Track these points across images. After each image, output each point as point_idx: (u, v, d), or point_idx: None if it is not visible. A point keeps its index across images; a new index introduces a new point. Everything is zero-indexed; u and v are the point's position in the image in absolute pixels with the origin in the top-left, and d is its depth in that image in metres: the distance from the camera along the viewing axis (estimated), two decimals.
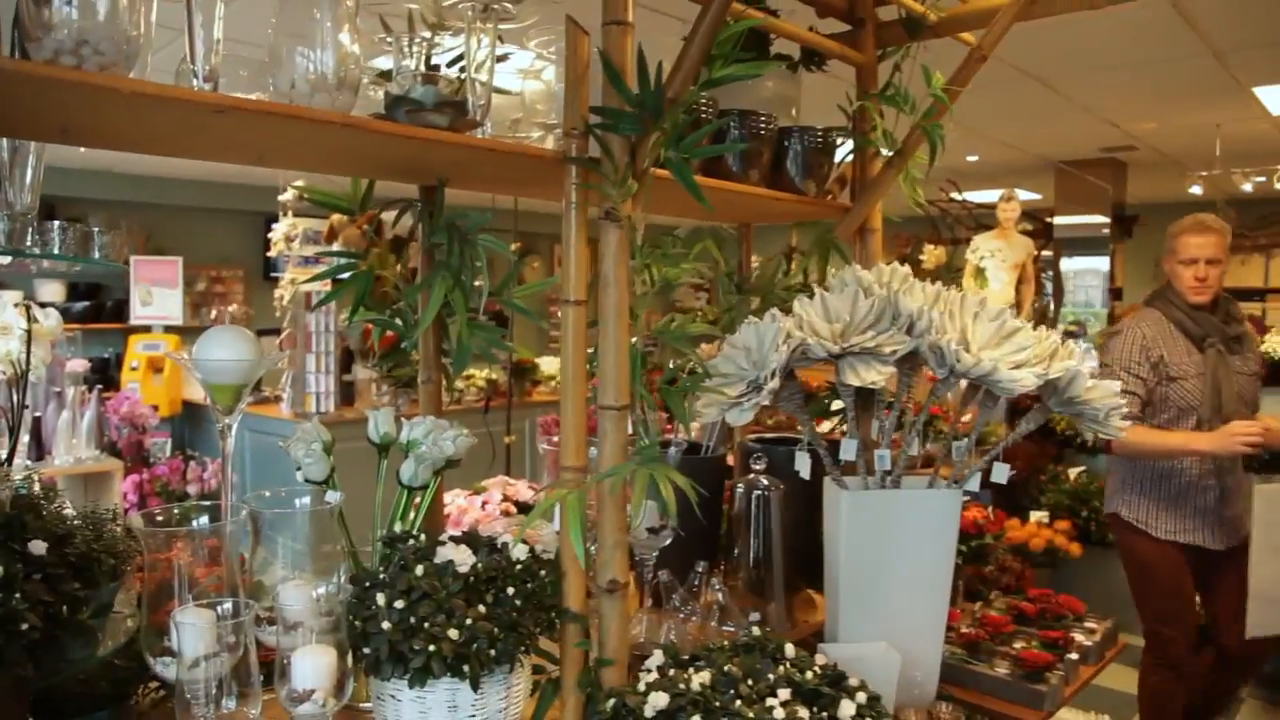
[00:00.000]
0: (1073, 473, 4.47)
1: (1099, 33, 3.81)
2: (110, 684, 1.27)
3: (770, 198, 1.60)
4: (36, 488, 1.25)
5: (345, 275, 1.41)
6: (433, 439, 1.33)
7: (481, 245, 1.33)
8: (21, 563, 0.99)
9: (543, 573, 1.24)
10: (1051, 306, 5.99)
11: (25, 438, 2.15)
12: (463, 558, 1.19)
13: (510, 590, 1.18)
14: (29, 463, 2.49)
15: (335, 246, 4.41)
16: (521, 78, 1.44)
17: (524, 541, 1.26)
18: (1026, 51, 4.08)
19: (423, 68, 1.42)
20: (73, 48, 0.84)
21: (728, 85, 1.42)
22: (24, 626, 0.92)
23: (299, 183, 2.36)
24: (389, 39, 1.38)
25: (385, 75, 1.39)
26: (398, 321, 1.49)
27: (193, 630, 1.00)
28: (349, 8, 1.06)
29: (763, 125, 1.56)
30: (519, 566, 1.21)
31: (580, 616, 1.27)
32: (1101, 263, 6.04)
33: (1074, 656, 1.96)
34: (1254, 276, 6.94)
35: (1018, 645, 2.01)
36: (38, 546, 1.03)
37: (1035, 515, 4.15)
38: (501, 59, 1.42)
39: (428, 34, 1.40)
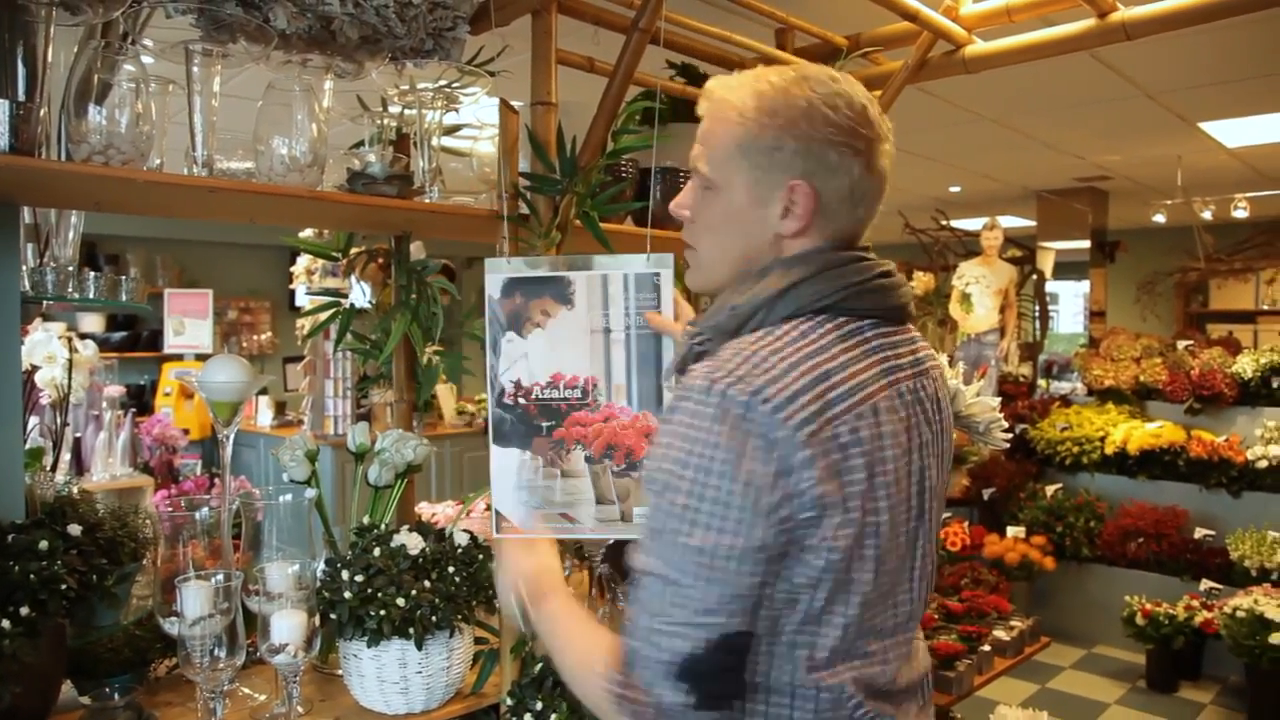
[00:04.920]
0: (1049, 490, 4.63)
1: (1031, 79, 3.78)
2: (133, 651, 1.55)
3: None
4: (75, 491, 1.55)
5: (327, 312, 1.69)
6: (395, 447, 1.60)
7: (436, 286, 1.62)
8: (62, 540, 1.27)
9: (480, 556, 1.50)
10: (1038, 330, 6.16)
11: (66, 455, 2.47)
12: (413, 542, 1.45)
13: (451, 569, 1.44)
14: (70, 477, 2.78)
15: (353, 278, 4.74)
16: (472, 141, 1.72)
17: (466, 531, 1.52)
18: (975, 97, 4.12)
19: (392, 136, 1.72)
20: (102, 149, 1.13)
21: (663, 143, 1.69)
22: (63, 587, 1.20)
23: (304, 233, 2.66)
24: (363, 115, 1.68)
25: (360, 144, 1.69)
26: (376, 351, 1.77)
27: (192, 593, 1.27)
28: (317, 103, 1.34)
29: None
30: (459, 551, 1.48)
31: None
32: (1083, 287, 6.23)
33: (986, 648, 2.17)
34: (1245, 299, 7.05)
35: (941, 638, 2.22)
36: (74, 529, 1.32)
37: (1012, 530, 4.33)
38: (455, 129, 1.71)
39: (396, 108, 1.70)
